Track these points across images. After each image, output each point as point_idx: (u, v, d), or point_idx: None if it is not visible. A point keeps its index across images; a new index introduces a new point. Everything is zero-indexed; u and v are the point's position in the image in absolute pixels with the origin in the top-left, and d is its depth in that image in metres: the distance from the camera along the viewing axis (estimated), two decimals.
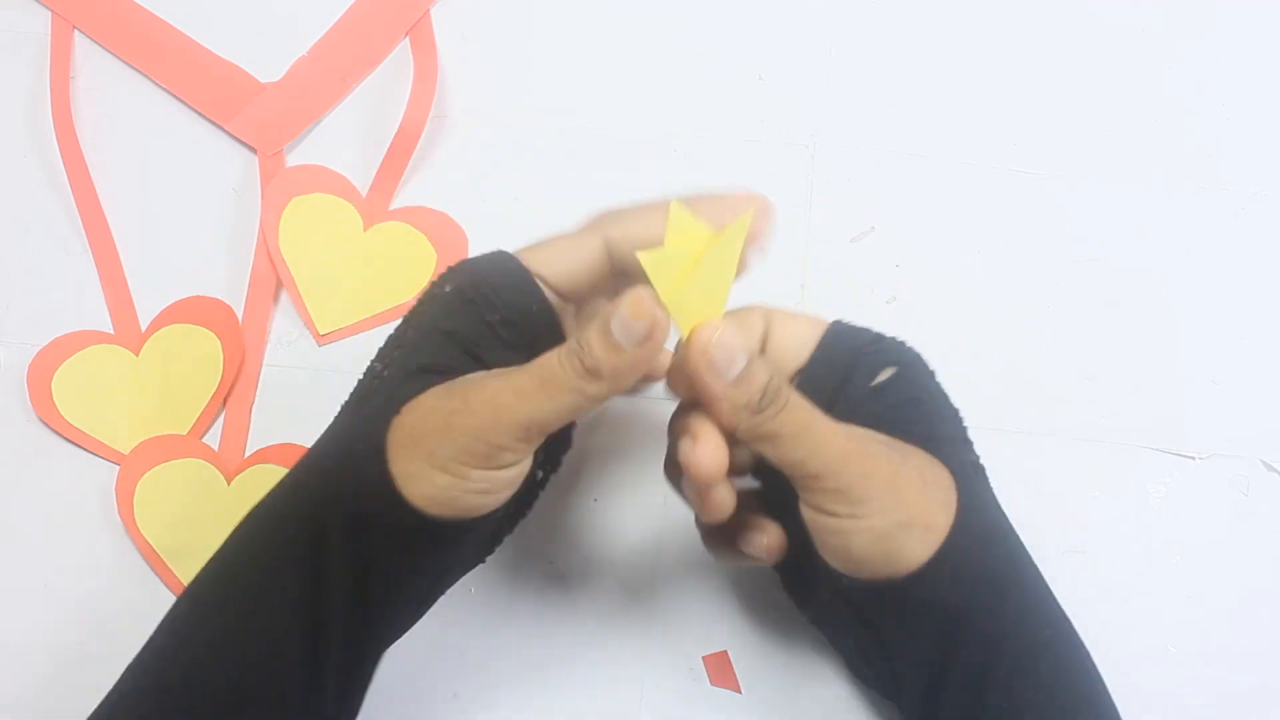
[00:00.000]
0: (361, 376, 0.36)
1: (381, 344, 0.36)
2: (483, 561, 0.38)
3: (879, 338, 0.38)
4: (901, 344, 0.38)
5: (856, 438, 0.33)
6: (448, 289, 0.35)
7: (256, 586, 0.34)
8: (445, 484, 0.31)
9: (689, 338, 0.31)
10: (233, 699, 0.33)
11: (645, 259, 0.31)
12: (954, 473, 0.34)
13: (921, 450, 0.35)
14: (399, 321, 0.36)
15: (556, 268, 0.35)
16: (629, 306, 0.30)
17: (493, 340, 0.34)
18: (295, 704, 0.34)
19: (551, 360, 0.31)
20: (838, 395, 0.36)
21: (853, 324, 0.38)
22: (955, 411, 0.38)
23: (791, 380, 0.36)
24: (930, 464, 0.34)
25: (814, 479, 0.32)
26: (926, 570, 0.33)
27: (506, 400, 0.31)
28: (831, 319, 0.38)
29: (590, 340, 0.31)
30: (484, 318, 0.34)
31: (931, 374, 0.38)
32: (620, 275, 0.36)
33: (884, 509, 0.32)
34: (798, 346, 0.36)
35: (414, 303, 0.36)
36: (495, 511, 0.34)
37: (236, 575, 0.35)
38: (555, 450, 0.39)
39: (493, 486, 0.32)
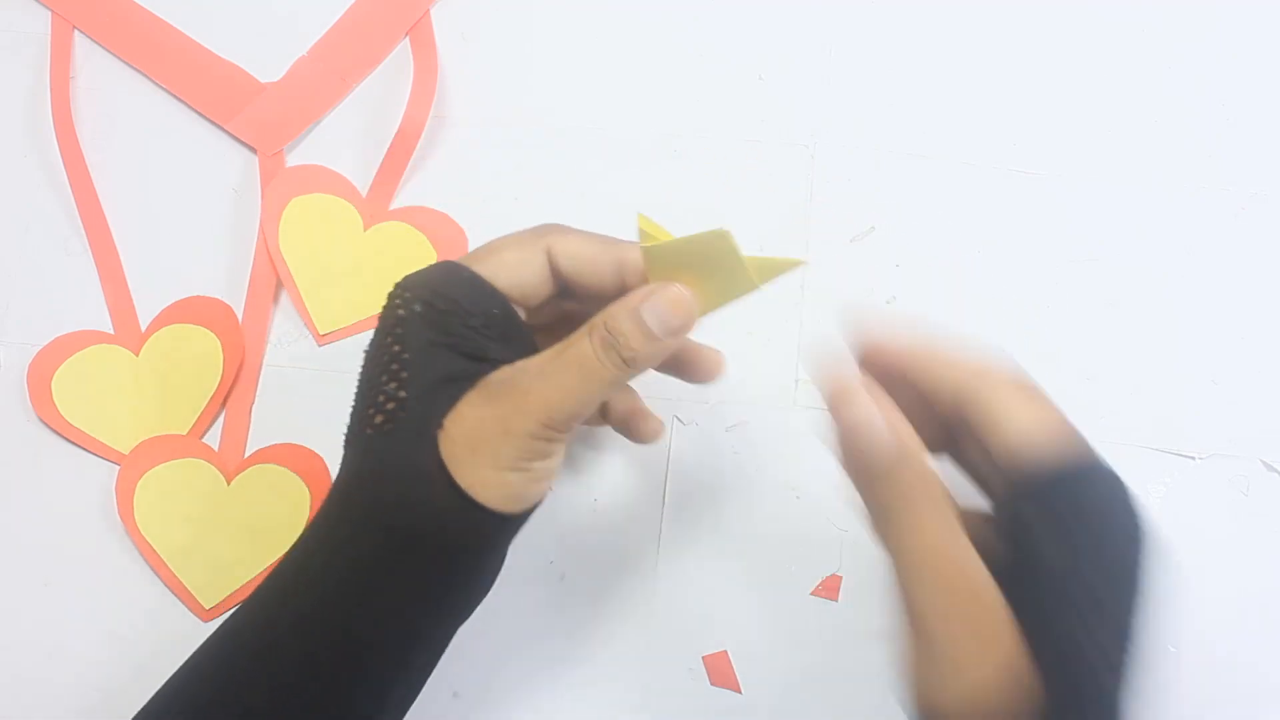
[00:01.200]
0: (358, 400, 0.35)
1: (363, 370, 0.35)
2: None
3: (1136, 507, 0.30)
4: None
5: (969, 583, 0.29)
6: (417, 308, 0.35)
7: (327, 619, 0.34)
8: (516, 481, 0.33)
9: None
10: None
11: (647, 250, 0.34)
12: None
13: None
14: (377, 343, 0.35)
15: (504, 278, 0.36)
16: (665, 300, 0.33)
17: (484, 340, 0.35)
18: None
19: (587, 354, 0.33)
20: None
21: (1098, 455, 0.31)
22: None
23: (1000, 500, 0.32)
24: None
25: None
26: None
27: (556, 398, 0.33)
28: (1072, 426, 0.31)
29: (626, 331, 0.33)
30: (465, 323, 0.35)
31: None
32: (558, 286, 0.37)
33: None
34: (1021, 444, 0.30)
35: (380, 326, 0.35)
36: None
37: (293, 613, 0.34)
38: None
39: (549, 472, 0.35)
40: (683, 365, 0.40)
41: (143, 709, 0.34)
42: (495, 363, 0.34)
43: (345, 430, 0.35)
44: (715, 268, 0.33)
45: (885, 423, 0.30)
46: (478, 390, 0.34)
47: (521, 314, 0.37)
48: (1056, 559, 0.28)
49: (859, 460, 0.31)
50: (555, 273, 0.37)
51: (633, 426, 0.42)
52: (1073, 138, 0.51)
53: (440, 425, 0.33)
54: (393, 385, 0.34)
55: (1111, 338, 0.48)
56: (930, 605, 0.29)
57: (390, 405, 0.34)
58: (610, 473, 0.47)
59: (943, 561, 0.29)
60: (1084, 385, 0.48)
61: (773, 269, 0.33)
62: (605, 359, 0.33)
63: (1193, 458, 0.47)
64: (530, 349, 0.36)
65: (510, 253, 0.36)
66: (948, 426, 0.32)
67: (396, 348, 0.35)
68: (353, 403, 0.35)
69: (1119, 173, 0.51)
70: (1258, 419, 0.47)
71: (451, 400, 0.33)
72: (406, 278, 0.36)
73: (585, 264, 0.36)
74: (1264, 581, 0.45)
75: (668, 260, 0.34)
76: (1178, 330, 0.49)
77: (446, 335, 0.34)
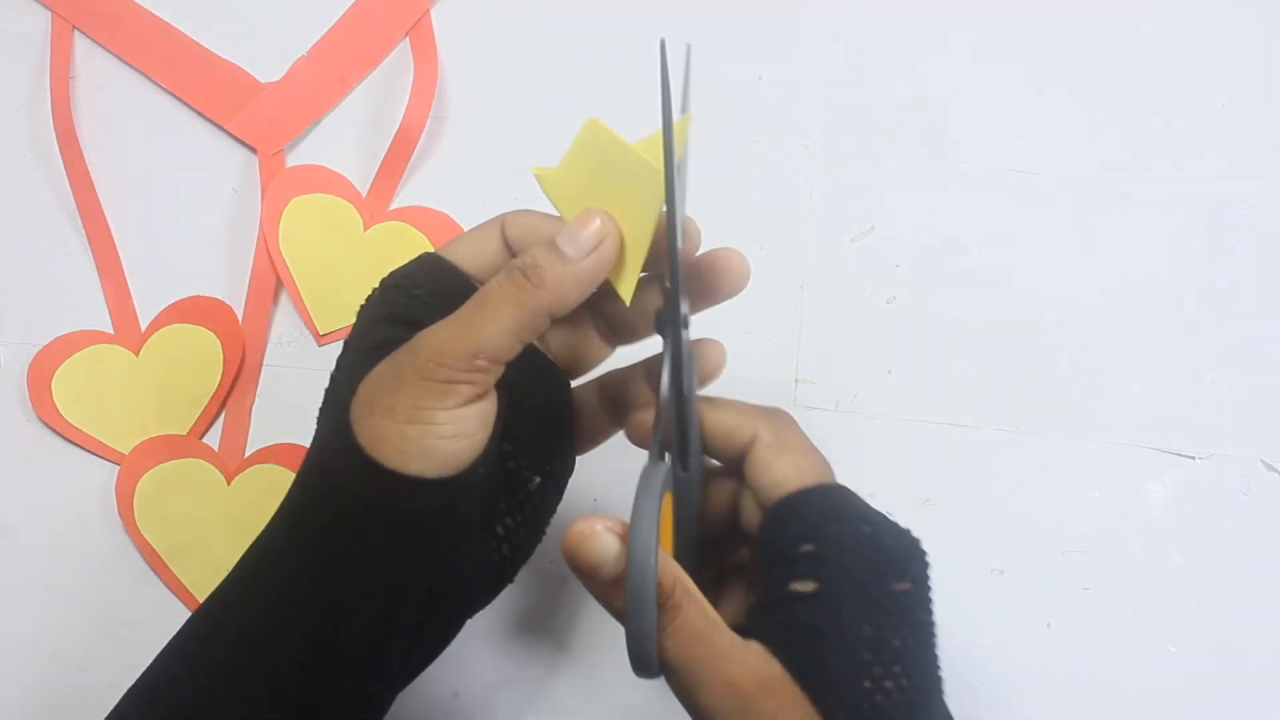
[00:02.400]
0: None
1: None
2: (491, 599, 0.37)
3: (881, 524, 0.33)
4: (913, 540, 0.33)
5: (750, 675, 0.30)
6: (374, 291, 0.36)
7: (254, 589, 0.33)
8: (415, 434, 0.30)
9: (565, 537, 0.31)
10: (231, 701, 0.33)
11: (538, 172, 0.33)
12: None
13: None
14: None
15: (459, 253, 0.36)
16: (578, 221, 0.32)
17: (424, 309, 0.34)
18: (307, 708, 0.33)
19: (490, 284, 0.32)
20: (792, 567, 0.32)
21: (855, 496, 0.34)
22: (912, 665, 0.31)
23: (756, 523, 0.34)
24: None
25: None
26: None
27: (449, 333, 0.31)
28: (833, 477, 0.34)
29: (533, 253, 0.31)
30: (411, 294, 0.34)
31: (928, 603, 0.32)
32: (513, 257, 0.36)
33: None
34: (782, 479, 0.33)
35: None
36: (477, 470, 0.32)
37: (238, 595, 0.34)
38: (565, 451, 0.38)
39: (463, 428, 0.31)
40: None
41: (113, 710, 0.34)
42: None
43: None
44: (614, 174, 0.31)
45: (613, 534, 0.30)
46: (393, 352, 0.32)
47: None
48: (814, 611, 0.30)
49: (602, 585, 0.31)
50: (508, 245, 0.36)
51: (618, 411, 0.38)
52: (1073, 138, 0.51)
53: (354, 389, 0.32)
54: (335, 368, 0.34)
55: (1111, 338, 0.48)
56: (724, 711, 0.30)
57: (329, 385, 0.34)
58: (610, 473, 0.47)
59: (719, 664, 0.30)
60: (1084, 385, 0.48)
61: (659, 141, 0.31)
62: (508, 282, 0.31)
63: (1193, 458, 0.47)
64: None
65: (469, 233, 0.37)
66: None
67: (349, 334, 0.35)
68: (318, 327, 0.36)
69: (1119, 173, 0.51)
70: (1258, 419, 0.47)
71: (371, 365, 0.32)
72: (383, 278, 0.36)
73: (531, 232, 0.35)
74: (1264, 581, 0.45)
75: (569, 186, 0.33)
76: (1178, 330, 0.48)
77: (388, 307, 0.34)
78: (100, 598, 0.46)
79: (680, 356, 0.33)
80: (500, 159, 0.51)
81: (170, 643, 0.35)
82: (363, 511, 0.31)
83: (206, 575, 0.46)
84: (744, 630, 0.31)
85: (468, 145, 0.52)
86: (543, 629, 0.45)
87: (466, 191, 0.51)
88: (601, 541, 0.30)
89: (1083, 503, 0.46)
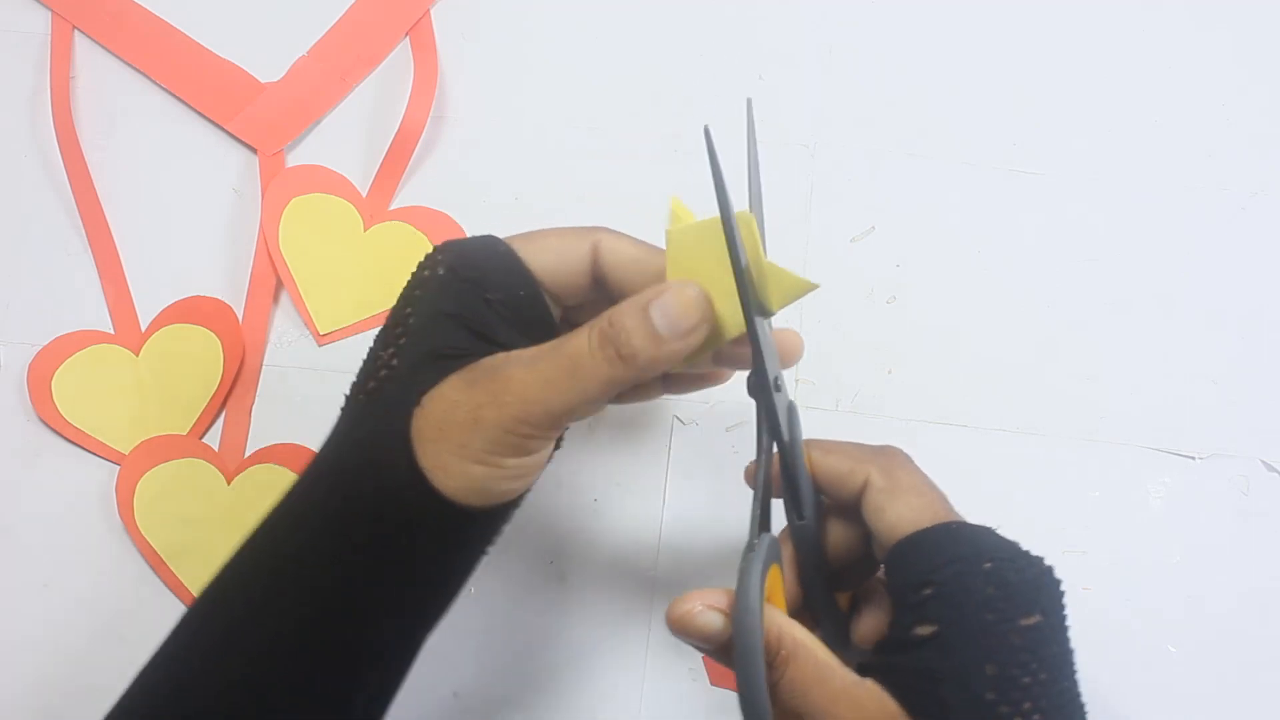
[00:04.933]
0: (364, 362, 0.35)
1: (380, 329, 0.35)
2: (485, 553, 0.37)
3: (1005, 558, 0.32)
4: (1042, 570, 0.32)
5: (863, 715, 0.30)
6: (440, 271, 0.34)
7: (280, 588, 0.33)
8: (480, 475, 0.31)
9: None
10: (254, 699, 0.32)
11: (671, 233, 0.31)
12: None
13: None
14: (394, 306, 0.35)
15: (542, 260, 0.35)
16: (677, 300, 0.31)
17: (496, 320, 0.33)
18: (323, 706, 0.33)
19: (580, 346, 0.31)
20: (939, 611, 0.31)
21: (977, 530, 0.33)
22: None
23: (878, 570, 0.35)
24: None
25: None
26: None
27: (536, 392, 0.31)
28: (954, 517, 0.33)
29: (628, 326, 0.31)
30: (483, 296, 0.33)
31: (1063, 632, 0.32)
32: (597, 284, 0.36)
33: None
34: (897, 522, 0.33)
35: (405, 286, 0.35)
36: (523, 496, 0.34)
37: (258, 577, 0.34)
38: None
39: (525, 471, 0.32)
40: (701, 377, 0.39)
41: (125, 693, 0.34)
42: (500, 346, 0.33)
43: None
44: (715, 269, 0.31)
45: (715, 610, 0.31)
46: (464, 371, 0.32)
47: (556, 311, 0.36)
48: (934, 654, 0.30)
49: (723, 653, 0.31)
50: (597, 269, 0.35)
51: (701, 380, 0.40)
52: (1073, 138, 0.51)
53: (418, 401, 0.32)
54: (389, 351, 0.33)
55: (1111, 338, 0.48)
56: None
57: (383, 373, 0.33)
58: (610, 473, 0.47)
59: (833, 706, 0.30)
60: (1084, 385, 0.48)
61: (792, 284, 0.31)
62: (600, 354, 0.31)
63: (1193, 458, 0.47)
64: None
65: (555, 239, 0.35)
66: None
67: (408, 310, 0.34)
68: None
69: (1119, 173, 0.51)
70: (1258, 419, 0.47)
71: (438, 376, 0.32)
72: (446, 242, 0.35)
73: (629, 264, 0.34)
74: (1264, 581, 0.45)
75: (689, 250, 0.32)
76: (1178, 330, 0.49)
77: (459, 306, 0.33)
78: (100, 598, 0.46)
79: (776, 419, 0.34)
80: (500, 159, 0.51)
81: (175, 638, 0.34)
82: (407, 529, 0.32)
83: (206, 575, 0.46)
84: (868, 668, 0.32)
85: (468, 145, 0.52)
86: (543, 629, 0.45)
87: (466, 191, 0.51)
88: (706, 619, 0.31)
89: (1083, 503, 0.46)
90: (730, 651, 0.31)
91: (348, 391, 0.35)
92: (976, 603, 0.30)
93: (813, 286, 0.31)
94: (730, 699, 0.44)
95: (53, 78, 0.52)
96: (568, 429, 0.37)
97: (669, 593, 0.45)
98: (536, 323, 0.35)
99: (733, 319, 0.32)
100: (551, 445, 0.33)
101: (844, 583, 0.37)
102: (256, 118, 0.52)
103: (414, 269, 0.35)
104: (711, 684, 0.44)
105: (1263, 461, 0.47)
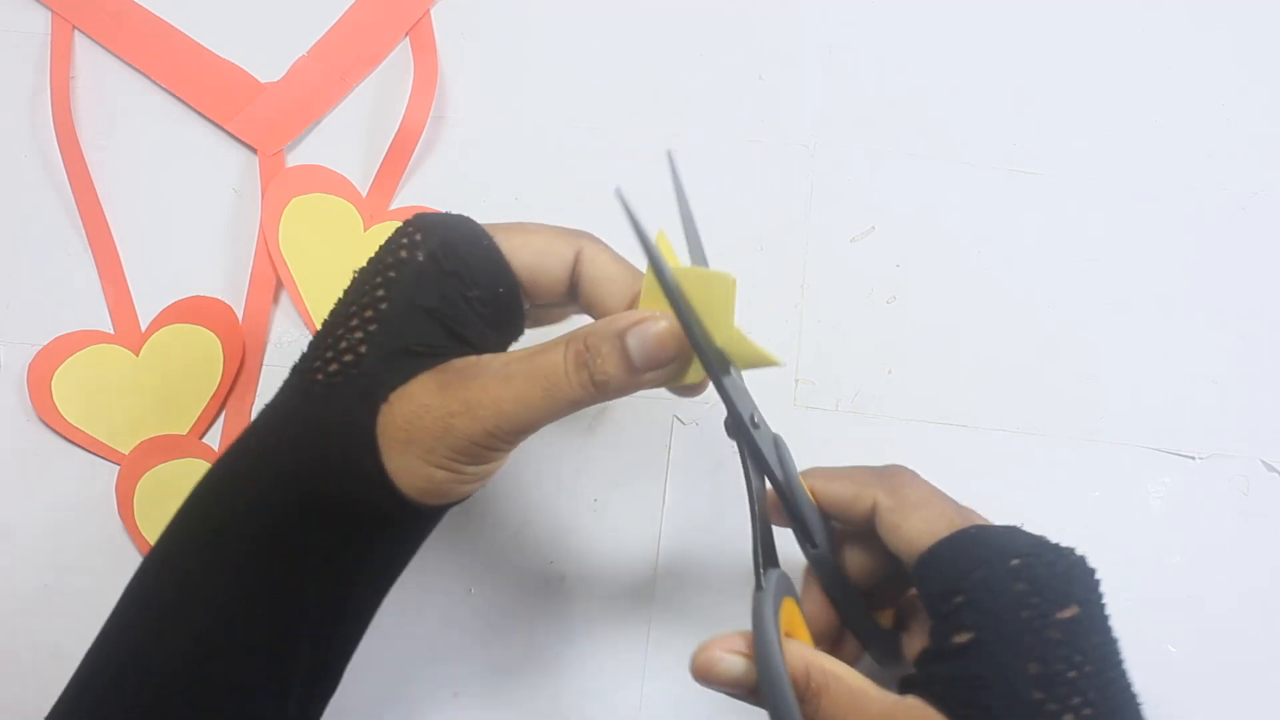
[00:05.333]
0: (320, 333, 0.34)
1: (345, 293, 0.34)
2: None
3: (1033, 553, 0.31)
4: (1074, 561, 0.32)
5: None
6: (420, 256, 0.33)
7: (220, 563, 0.32)
8: (441, 479, 0.32)
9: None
10: (185, 686, 0.32)
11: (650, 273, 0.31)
12: None
13: None
14: (364, 275, 0.34)
15: (524, 258, 0.34)
16: (654, 333, 0.31)
17: (472, 317, 0.33)
18: (255, 698, 0.32)
19: (556, 367, 0.31)
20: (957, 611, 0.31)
21: (999, 530, 0.33)
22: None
23: (906, 577, 0.35)
24: None
25: None
26: None
27: (509, 407, 0.31)
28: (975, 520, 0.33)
29: (604, 352, 0.31)
30: (463, 293, 0.33)
31: (1105, 621, 0.32)
32: (572, 291, 0.36)
33: None
34: (915, 538, 0.33)
35: (376, 257, 0.34)
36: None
37: (196, 551, 0.33)
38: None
39: (483, 475, 0.33)
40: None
41: (67, 686, 0.34)
42: (472, 346, 0.33)
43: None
44: (707, 314, 0.31)
45: (735, 653, 0.32)
46: (435, 372, 0.32)
47: (525, 305, 0.36)
48: (974, 660, 0.30)
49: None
50: (576, 277, 0.35)
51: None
52: (1073, 138, 0.51)
53: (386, 398, 0.31)
54: (358, 335, 0.32)
55: (1111, 338, 0.48)
56: None
57: (348, 357, 0.32)
58: (610, 473, 0.47)
59: None
60: (1084, 385, 0.48)
61: (752, 356, 0.31)
62: (574, 376, 0.31)
63: (1193, 458, 0.47)
64: (515, 343, 0.34)
65: (540, 237, 0.35)
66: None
67: (380, 293, 0.33)
68: (318, 327, 0.33)
69: (1119, 173, 0.51)
70: (1258, 419, 0.47)
71: (408, 373, 0.32)
72: (422, 216, 0.34)
73: (607, 280, 0.35)
74: (1264, 581, 0.45)
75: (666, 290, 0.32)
76: (1178, 330, 0.49)
77: (439, 301, 0.33)
78: (100, 598, 0.46)
79: (762, 458, 0.34)
80: (500, 159, 0.51)
81: (115, 617, 0.34)
82: (361, 526, 0.32)
83: None
84: (910, 683, 0.31)
85: (468, 145, 0.52)
86: (542, 629, 0.45)
87: (466, 191, 0.51)
88: (727, 665, 0.32)
89: (1083, 503, 0.46)
90: (756, 696, 0.31)
91: (298, 361, 0.34)
92: (1008, 602, 0.30)
93: (776, 362, 0.32)
94: (730, 699, 0.44)
95: (53, 78, 0.52)
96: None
97: (669, 592, 0.45)
98: (509, 321, 0.35)
99: (696, 367, 0.32)
100: (507, 455, 0.33)
101: (882, 600, 0.37)
102: (256, 118, 0.52)
103: (389, 238, 0.34)
104: None
105: (1263, 461, 0.47)
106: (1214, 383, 0.48)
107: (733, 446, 0.47)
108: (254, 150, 0.52)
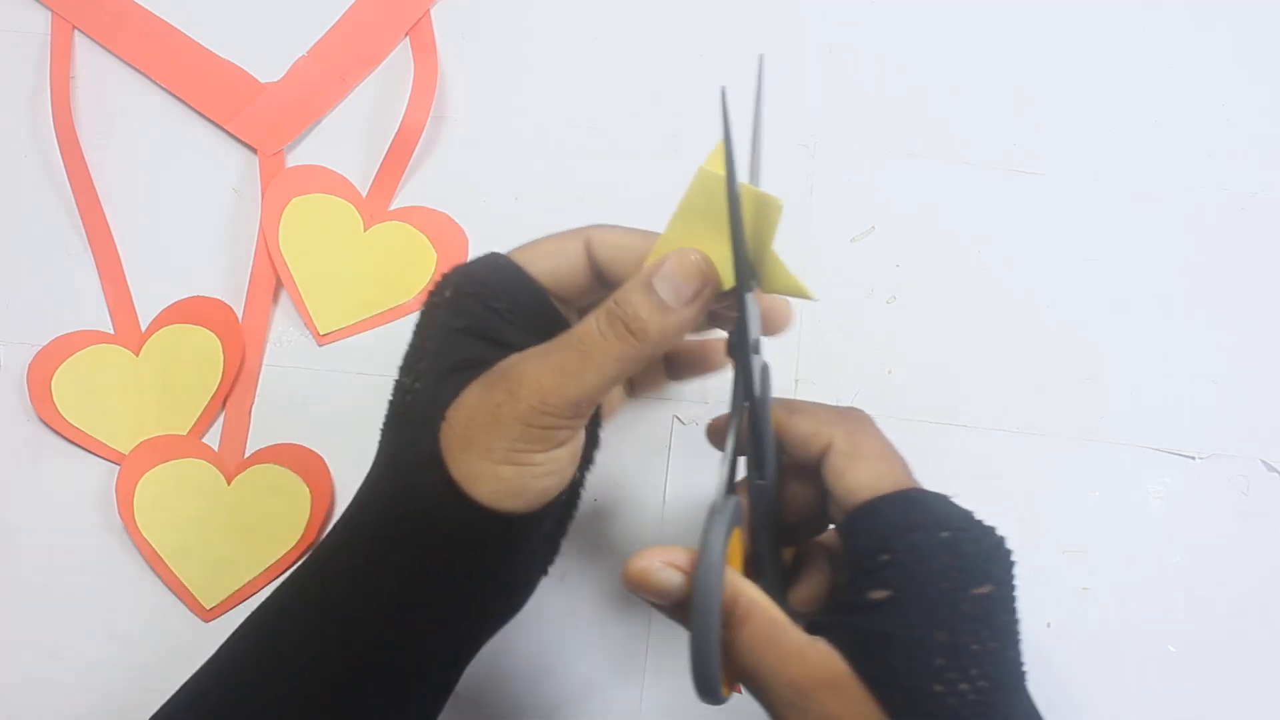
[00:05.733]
0: (391, 395, 0.35)
1: (400, 361, 0.36)
2: (545, 573, 0.37)
3: (961, 528, 0.32)
4: (995, 541, 0.32)
5: (813, 671, 0.31)
6: (448, 294, 0.35)
7: (325, 610, 0.33)
8: (511, 475, 0.32)
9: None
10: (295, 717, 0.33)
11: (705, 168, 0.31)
12: None
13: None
14: (411, 338, 0.36)
15: (541, 265, 0.35)
16: (678, 268, 0.31)
17: (505, 325, 0.34)
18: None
19: (591, 330, 0.31)
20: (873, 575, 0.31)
21: (935, 498, 0.33)
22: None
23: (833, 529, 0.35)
24: None
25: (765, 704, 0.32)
26: None
27: (550, 381, 0.31)
28: (913, 483, 0.34)
29: (634, 301, 0.31)
30: (490, 306, 0.34)
31: (1011, 601, 0.32)
32: (599, 279, 0.36)
33: None
34: (857, 488, 0.33)
35: (419, 318, 0.36)
36: (560, 497, 0.34)
37: (304, 599, 0.34)
38: (589, 448, 0.38)
39: (556, 466, 0.33)
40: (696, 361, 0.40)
41: (171, 701, 0.34)
42: (514, 349, 0.33)
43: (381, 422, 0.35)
44: (752, 233, 0.31)
45: (674, 567, 0.32)
46: (480, 378, 0.32)
47: (570, 315, 0.36)
48: (886, 618, 0.30)
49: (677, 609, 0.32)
50: (594, 263, 0.35)
51: (697, 363, 0.41)
52: (1073, 138, 0.51)
53: (443, 415, 0.32)
54: (410, 377, 0.34)
55: (1111, 338, 0.48)
56: (789, 706, 0.30)
57: (408, 398, 0.34)
58: (610, 473, 0.47)
59: (785, 663, 0.31)
60: (1084, 385, 0.48)
61: (785, 280, 0.31)
62: (610, 333, 0.31)
63: (1193, 458, 0.47)
64: None
65: (549, 243, 0.36)
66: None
67: (422, 335, 0.34)
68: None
69: (1119, 173, 0.51)
70: (1258, 419, 0.47)
71: (458, 387, 0.32)
72: (451, 268, 0.36)
73: (622, 251, 0.35)
74: (1264, 581, 0.45)
75: (705, 196, 0.32)
76: (1178, 330, 0.49)
77: (468, 319, 0.33)
78: (100, 598, 0.46)
79: (751, 379, 0.33)
80: (500, 159, 0.51)
81: (215, 663, 0.35)
82: (452, 544, 0.33)
83: (206, 575, 0.46)
84: (818, 627, 0.32)
85: (468, 145, 0.52)
86: (542, 629, 0.45)
87: (466, 191, 0.51)
88: (664, 576, 0.31)
89: (1083, 503, 0.46)
90: (685, 610, 0.31)
91: (381, 426, 0.35)
92: (932, 571, 0.31)
93: (808, 294, 0.31)
94: (731, 699, 0.44)
95: (53, 78, 0.52)
96: (601, 427, 0.38)
97: None
98: (547, 324, 0.35)
99: (728, 273, 0.32)
100: (579, 436, 0.33)
101: (790, 539, 0.38)
102: (256, 118, 0.52)
103: (424, 302, 0.36)
104: None
105: (1263, 461, 0.47)
106: (1214, 383, 0.48)
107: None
108: (254, 150, 0.52)
